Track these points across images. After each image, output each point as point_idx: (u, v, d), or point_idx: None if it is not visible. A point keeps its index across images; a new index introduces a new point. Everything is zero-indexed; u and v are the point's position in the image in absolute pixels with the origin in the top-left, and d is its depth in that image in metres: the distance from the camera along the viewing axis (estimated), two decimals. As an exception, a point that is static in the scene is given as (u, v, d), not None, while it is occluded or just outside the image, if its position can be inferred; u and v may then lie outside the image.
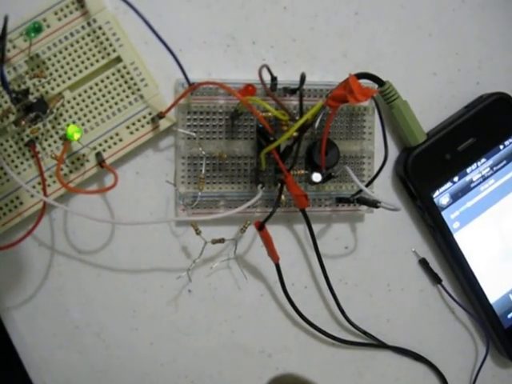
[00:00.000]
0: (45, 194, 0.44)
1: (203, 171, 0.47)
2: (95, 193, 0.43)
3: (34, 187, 0.46)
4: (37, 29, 0.42)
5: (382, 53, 0.51)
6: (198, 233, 0.46)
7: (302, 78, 0.41)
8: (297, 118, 0.43)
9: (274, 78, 0.45)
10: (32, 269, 0.47)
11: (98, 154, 0.46)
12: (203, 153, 0.47)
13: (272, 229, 0.46)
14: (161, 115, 0.45)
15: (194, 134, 0.46)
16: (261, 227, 0.45)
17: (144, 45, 0.48)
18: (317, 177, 0.46)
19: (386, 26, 0.52)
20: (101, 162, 0.44)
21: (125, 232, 0.48)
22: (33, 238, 0.47)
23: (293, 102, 0.49)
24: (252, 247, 0.51)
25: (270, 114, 0.46)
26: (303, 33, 0.50)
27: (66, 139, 0.44)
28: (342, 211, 0.51)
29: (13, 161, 0.46)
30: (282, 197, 0.46)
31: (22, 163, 0.46)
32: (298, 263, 0.52)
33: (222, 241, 0.47)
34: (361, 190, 0.47)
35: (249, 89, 0.43)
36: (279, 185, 0.46)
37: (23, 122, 0.43)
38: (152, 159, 0.48)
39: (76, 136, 0.43)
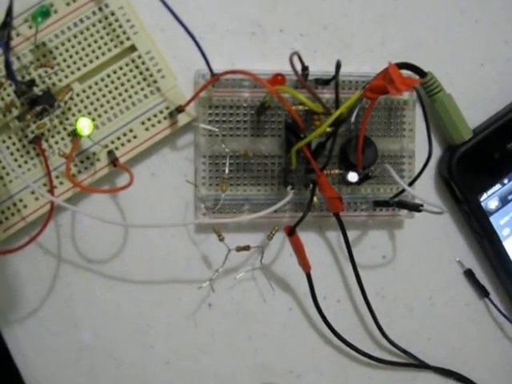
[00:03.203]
0: (52, 195, 0.39)
1: (227, 171, 0.42)
2: (108, 192, 0.39)
3: (33, 192, 0.41)
4: (44, 13, 0.38)
5: (423, 41, 0.48)
6: (220, 239, 0.41)
7: (338, 65, 0.37)
8: (332, 111, 0.37)
9: (305, 68, 0.40)
10: (36, 279, 0.43)
11: (111, 152, 0.41)
12: (226, 150, 0.42)
13: (302, 236, 0.42)
14: (180, 109, 0.40)
15: (216, 130, 0.41)
16: (291, 232, 0.40)
17: (160, 32, 0.43)
18: (353, 176, 0.41)
19: (428, 11, 0.48)
20: (114, 161, 0.39)
21: (139, 239, 0.44)
22: (38, 246, 0.42)
23: (325, 94, 0.44)
24: (280, 256, 0.46)
25: (300, 107, 0.41)
26: (336, 19, 0.46)
27: (75, 135, 0.40)
28: (379, 216, 0.46)
29: (16, 160, 0.41)
30: (314, 199, 0.41)
31: (25, 162, 0.41)
32: (330, 274, 0.47)
33: (247, 248, 0.42)
34: (402, 192, 0.42)
35: (278, 78, 0.38)
36: (311, 186, 0.41)
37: (28, 117, 0.38)
38: (169, 159, 0.43)
39: (87, 131, 0.38)
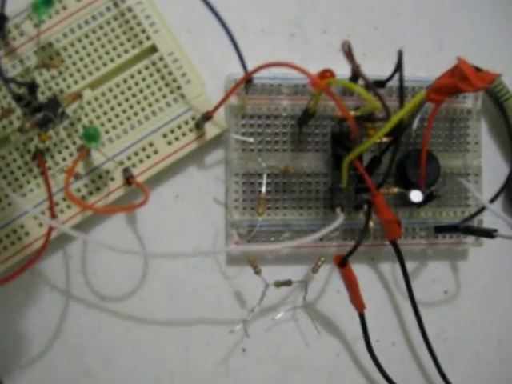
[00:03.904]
0: (52, 217, 0.33)
1: (263, 190, 0.35)
2: (118, 211, 0.31)
3: (43, 213, 0.34)
4: (46, 2, 0.31)
5: (487, 43, 0.42)
6: (256, 272, 0.35)
7: (400, 54, 0.30)
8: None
9: (353, 69, 0.33)
10: (42, 320, 0.37)
11: (127, 170, 0.34)
12: (263, 166, 0.35)
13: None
14: (207, 116, 0.33)
15: (251, 140, 0.35)
16: (343, 263, 0.33)
17: (186, 34, 0.37)
18: (417, 195, 0.34)
19: (491, 10, 0.42)
20: (128, 178, 0.33)
21: (161, 272, 0.38)
22: (43, 281, 0.36)
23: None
24: (325, 292, 0.39)
25: (351, 113, 0.34)
26: (387, 19, 0.41)
27: (82, 146, 0.33)
28: (440, 244, 0.39)
29: (16, 179, 0.35)
30: (370, 223, 0.34)
31: (28, 182, 0.35)
32: (383, 313, 0.40)
33: (288, 283, 0.35)
34: (479, 212, 0.35)
35: (326, 75, 0.31)
36: (365, 207, 0.34)
37: (27, 125, 0.32)
38: (196, 178, 0.37)
39: (95, 140, 0.31)
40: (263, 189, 0.36)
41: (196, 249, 0.37)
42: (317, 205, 0.37)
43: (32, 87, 0.33)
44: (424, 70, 0.40)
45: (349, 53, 0.30)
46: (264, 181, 0.36)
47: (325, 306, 0.39)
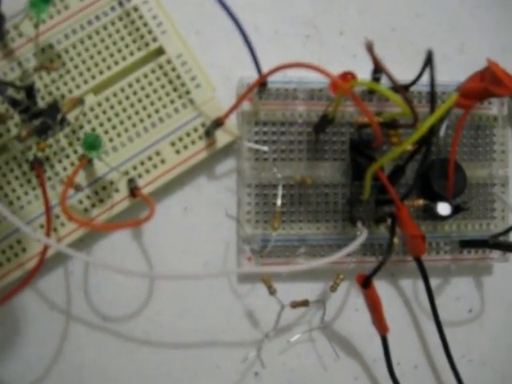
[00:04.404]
0: (47, 235, 0.30)
1: (279, 203, 0.32)
2: (120, 228, 0.29)
3: (42, 226, 0.32)
4: None
5: (509, 46, 0.40)
6: (272, 292, 0.32)
7: (430, 55, 0.27)
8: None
9: (378, 70, 0.31)
10: (41, 342, 0.35)
11: (132, 181, 0.32)
12: (279, 176, 0.32)
13: None
14: (218, 122, 0.31)
15: (265, 149, 0.32)
16: (366, 283, 0.30)
17: (195, 35, 0.35)
18: (445, 208, 0.31)
19: None
20: (133, 189, 0.30)
21: (168, 291, 0.36)
22: (43, 299, 0.33)
23: (395, 108, 0.34)
24: (342, 311, 0.36)
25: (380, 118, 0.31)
26: (406, 20, 0.39)
27: (83, 155, 0.30)
28: (464, 260, 0.36)
29: (14, 190, 0.32)
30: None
31: (26, 193, 0.32)
32: (404, 333, 0.37)
33: (305, 304, 0.33)
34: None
35: (348, 78, 0.28)
36: (389, 221, 0.31)
37: (24, 133, 0.29)
38: (205, 189, 0.34)
39: (96, 149, 0.28)
40: (278, 201, 0.33)
41: (207, 268, 0.35)
42: (334, 218, 0.35)
43: (30, 91, 0.31)
44: (445, 74, 0.38)
45: (372, 53, 0.28)
46: (279, 192, 0.33)
47: (342, 326, 0.37)
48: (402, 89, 0.27)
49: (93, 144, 0.29)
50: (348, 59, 0.37)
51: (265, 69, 0.33)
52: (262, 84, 0.32)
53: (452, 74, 0.38)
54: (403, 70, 0.33)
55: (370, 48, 0.28)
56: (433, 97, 0.28)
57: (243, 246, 0.34)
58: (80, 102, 0.33)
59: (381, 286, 0.36)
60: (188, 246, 0.35)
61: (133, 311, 0.35)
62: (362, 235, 0.31)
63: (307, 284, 0.36)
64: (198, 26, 0.36)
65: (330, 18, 0.37)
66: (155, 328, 0.35)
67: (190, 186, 0.35)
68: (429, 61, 0.28)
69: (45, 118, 0.30)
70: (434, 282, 0.38)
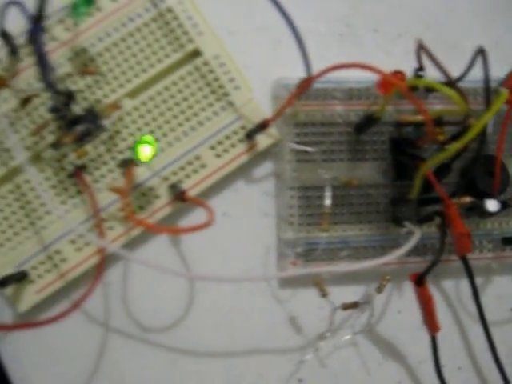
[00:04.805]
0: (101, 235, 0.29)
1: (327, 203, 0.31)
2: (185, 232, 0.28)
3: (73, 242, 0.31)
4: (88, 1, 0.27)
5: None
6: (324, 295, 0.31)
7: (482, 52, 0.27)
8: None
9: (420, 68, 0.30)
10: (79, 354, 0.34)
11: (174, 187, 0.31)
12: (326, 177, 0.31)
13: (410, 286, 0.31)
14: (264, 124, 0.30)
15: (311, 149, 0.31)
16: (420, 281, 0.29)
17: (228, 36, 0.33)
18: (493, 205, 0.31)
19: None
20: (181, 194, 0.29)
21: (208, 301, 0.35)
22: (80, 313, 0.32)
23: (435, 105, 0.33)
24: (385, 313, 0.36)
25: (419, 117, 0.31)
26: (440, 16, 0.38)
27: (128, 163, 0.29)
28: (507, 258, 0.35)
29: (51, 199, 0.30)
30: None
31: (63, 202, 0.31)
32: (448, 334, 0.37)
33: (355, 305, 0.32)
34: None
35: (398, 76, 0.28)
36: (439, 220, 0.30)
37: (67, 139, 0.28)
38: (243, 193, 0.34)
39: (150, 154, 0.28)
40: (327, 202, 0.32)
41: (248, 273, 0.34)
42: (377, 218, 0.34)
43: (70, 97, 0.29)
44: (480, 69, 0.37)
45: (426, 51, 0.27)
46: (327, 193, 0.32)
47: (385, 329, 0.36)
48: (459, 90, 0.26)
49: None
50: (383, 57, 0.36)
51: (299, 68, 0.32)
52: (310, 76, 0.31)
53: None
54: (438, 66, 0.33)
55: (422, 46, 0.27)
56: (487, 94, 0.27)
57: (286, 250, 0.33)
58: (118, 107, 0.31)
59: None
60: (227, 252, 0.34)
61: (173, 321, 0.34)
62: (416, 234, 0.30)
63: (348, 287, 0.35)
64: (230, 26, 0.35)
65: (364, 16, 0.37)
66: (196, 337, 0.34)
67: (228, 191, 0.34)
68: (481, 57, 0.27)
69: (88, 125, 0.29)
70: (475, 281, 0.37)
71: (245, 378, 0.34)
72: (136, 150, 0.29)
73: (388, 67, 0.30)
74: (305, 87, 0.30)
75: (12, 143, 0.31)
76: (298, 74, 0.33)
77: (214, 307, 0.34)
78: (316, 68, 0.32)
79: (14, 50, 0.31)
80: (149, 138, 0.28)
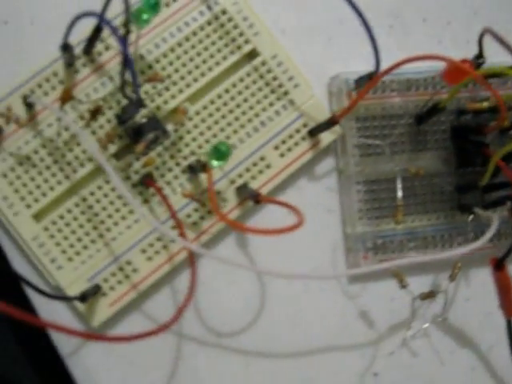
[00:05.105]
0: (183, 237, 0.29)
1: (400, 195, 0.31)
2: (275, 234, 0.27)
3: (151, 245, 0.30)
4: (153, 6, 0.27)
5: None
6: (403, 286, 0.31)
7: None
8: None
9: (480, 55, 0.30)
10: (155, 365, 0.33)
11: (243, 188, 0.31)
12: (396, 169, 0.31)
13: (472, 274, 0.33)
14: (333, 121, 0.30)
15: (378, 142, 0.31)
16: (499, 265, 0.29)
17: (281, 35, 0.33)
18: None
19: None
20: (256, 196, 0.29)
21: (279, 302, 0.35)
22: (152, 322, 0.32)
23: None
24: (454, 302, 0.35)
25: (484, 104, 0.31)
26: (487, 2, 0.38)
27: (203, 165, 0.29)
28: None
29: (117, 210, 0.30)
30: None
31: (130, 212, 0.30)
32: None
33: (432, 295, 0.32)
34: None
35: (467, 64, 0.28)
36: (509, 204, 0.30)
37: (140, 147, 0.28)
38: (307, 191, 0.33)
39: (224, 159, 0.27)
40: (399, 194, 0.32)
41: (317, 271, 0.33)
42: (443, 207, 0.34)
43: (140, 106, 0.29)
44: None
45: (497, 38, 0.27)
46: (399, 185, 0.32)
47: (455, 317, 0.36)
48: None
49: (225, 153, 0.28)
50: (433, 46, 0.36)
51: (351, 59, 0.33)
52: (370, 78, 0.31)
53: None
54: (490, 52, 0.32)
55: (491, 32, 0.27)
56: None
57: (355, 245, 0.33)
58: (185, 112, 0.31)
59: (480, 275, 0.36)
60: (294, 251, 0.34)
61: (246, 324, 0.34)
62: (495, 220, 0.30)
63: (416, 277, 0.35)
64: (282, 24, 0.34)
65: (412, 6, 0.36)
66: (270, 339, 0.34)
67: (292, 189, 0.34)
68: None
69: (156, 133, 0.29)
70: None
71: (320, 375, 0.34)
72: (211, 154, 0.28)
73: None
74: (377, 80, 0.29)
75: (76, 154, 0.31)
76: (353, 68, 0.33)
77: (284, 307, 0.34)
78: (369, 59, 0.32)
79: (71, 63, 0.31)
80: (226, 145, 0.28)
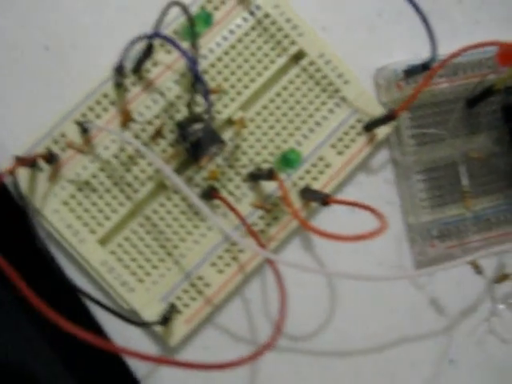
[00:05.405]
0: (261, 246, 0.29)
1: (465, 181, 0.31)
2: (361, 240, 0.27)
3: (213, 264, 0.30)
4: (206, 20, 0.27)
5: None
6: (479, 272, 0.31)
7: None
8: None
9: None
10: (235, 376, 0.32)
11: (307, 190, 0.30)
12: (456, 154, 0.31)
13: None
14: (392, 115, 0.29)
15: (434, 131, 0.31)
16: None
17: (322, 32, 0.33)
18: None
19: None
20: (325, 198, 0.28)
21: (349, 299, 0.35)
22: (228, 335, 0.33)
23: None
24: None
25: None
26: None
27: (271, 172, 0.29)
28: None
29: (182, 226, 0.30)
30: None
31: (196, 227, 0.30)
32: None
33: (507, 277, 0.31)
34: None
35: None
36: None
37: (204, 161, 0.27)
38: (366, 185, 0.34)
39: (294, 165, 0.27)
40: (464, 180, 0.32)
41: (383, 266, 0.33)
42: (503, 187, 0.34)
43: (193, 120, 0.29)
44: None
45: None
46: (462, 170, 0.32)
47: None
48: None
49: (294, 160, 0.27)
50: (471, 26, 0.36)
51: (395, 53, 0.32)
52: (424, 67, 0.30)
53: None
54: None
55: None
56: None
57: (421, 235, 0.33)
58: (244, 121, 0.31)
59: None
60: (358, 246, 0.34)
61: (319, 326, 0.33)
62: None
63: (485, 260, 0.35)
64: (321, 22, 0.34)
65: (445, -12, 0.36)
66: (344, 338, 0.34)
67: (351, 186, 0.34)
68: None
69: (219, 145, 0.29)
70: None
71: (397, 368, 0.34)
72: (280, 162, 0.28)
73: (478, 36, 0.30)
74: (439, 68, 0.29)
75: (135, 175, 0.31)
76: (396, 58, 0.33)
77: (355, 305, 0.34)
78: (413, 49, 0.32)
79: (120, 83, 0.30)
80: (296, 152, 0.28)
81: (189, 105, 0.27)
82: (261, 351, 0.24)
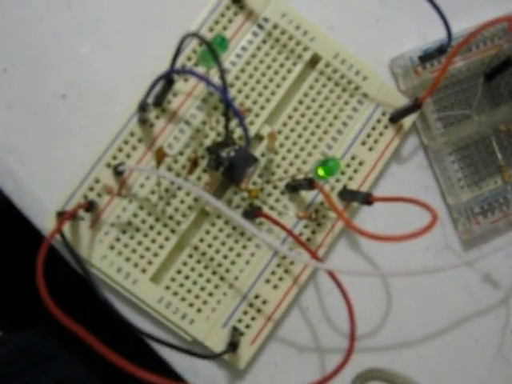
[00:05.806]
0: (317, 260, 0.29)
1: (499, 155, 0.31)
2: (415, 236, 0.27)
3: (268, 281, 0.30)
4: (222, 44, 0.27)
5: None
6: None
7: None
8: None
9: None
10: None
11: (346, 191, 0.31)
12: (488, 130, 0.31)
13: None
14: (417, 104, 0.29)
15: (459, 112, 0.31)
16: None
17: (331, 32, 0.33)
18: None
19: None
20: (368, 197, 0.29)
21: (403, 288, 0.35)
22: (289, 346, 0.33)
23: None
24: None
25: None
26: None
27: (311, 182, 0.29)
28: None
29: (231, 249, 0.30)
30: None
31: (244, 247, 0.30)
32: None
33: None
34: None
35: None
36: None
37: (244, 184, 0.27)
38: (399, 176, 0.34)
39: (334, 173, 0.27)
40: (499, 154, 0.32)
41: (431, 250, 0.34)
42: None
43: (227, 143, 0.29)
44: None
45: None
46: (495, 145, 0.32)
47: None
48: None
49: (334, 168, 0.28)
50: (475, 2, 0.36)
51: (405, 40, 0.32)
52: (440, 52, 0.31)
53: None
54: None
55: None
56: None
57: (464, 214, 0.33)
58: (274, 134, 0.31)
59: None
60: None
61: (379, 320, 0.33)
62: None
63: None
64: (328, 21, 0.34)
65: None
66: (405, 327, 0.34)
67: (384, 179, 0.34)
68: None
69: (253, 164, 0.29)
70: None
71: (464, 349, 0.34)
72: (321, 170, 0.28)
73: (494, 12, 0.30)
74: (458, 48, 0.29)
75: (175, 207, 0.31)
76: (408, 46, 0.33)
77: (411, 293, 0.34)
78: (423, 35, 0.32)
79: (145, 119, 0.30)
80: (335, 161, 0.28)
81: (226, 131, 0.27)
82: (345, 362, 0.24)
